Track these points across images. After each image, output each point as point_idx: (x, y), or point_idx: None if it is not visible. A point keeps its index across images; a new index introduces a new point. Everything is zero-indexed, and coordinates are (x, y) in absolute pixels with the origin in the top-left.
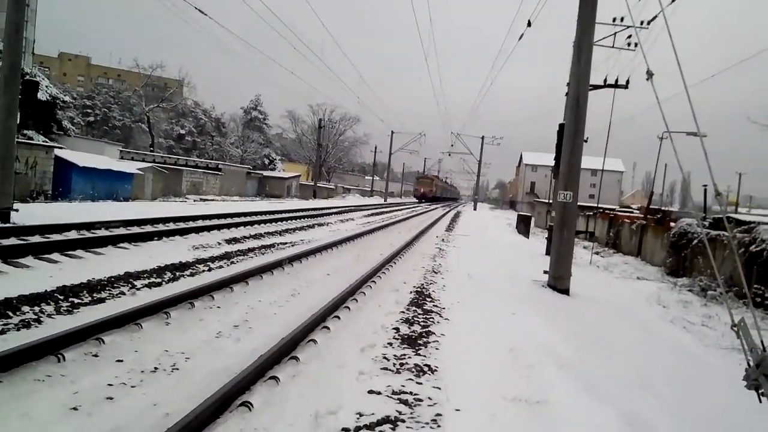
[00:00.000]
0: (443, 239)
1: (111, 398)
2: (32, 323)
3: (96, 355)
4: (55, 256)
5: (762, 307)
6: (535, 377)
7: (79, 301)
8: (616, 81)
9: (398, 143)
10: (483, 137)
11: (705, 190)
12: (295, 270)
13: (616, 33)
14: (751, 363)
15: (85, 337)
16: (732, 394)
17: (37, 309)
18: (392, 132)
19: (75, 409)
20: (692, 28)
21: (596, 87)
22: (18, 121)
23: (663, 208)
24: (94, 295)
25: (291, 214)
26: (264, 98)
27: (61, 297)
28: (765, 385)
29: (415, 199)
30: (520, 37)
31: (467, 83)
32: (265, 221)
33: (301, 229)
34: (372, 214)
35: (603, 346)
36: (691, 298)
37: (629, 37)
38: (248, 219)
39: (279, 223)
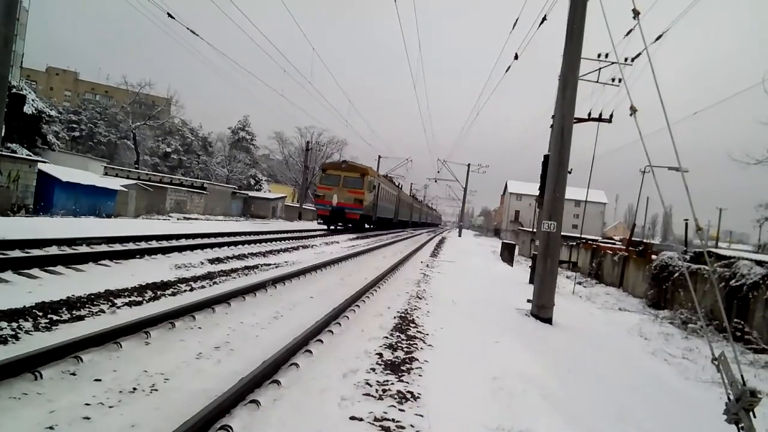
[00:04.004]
0: (428, 265)
1: (88, 418)
2: (9, 339)
3: (74, 374)
4: (35, 271)
5: (741, 341)
6: (517, 407)
7: (58, 318)
8: (600, 115)
9: (385, 168)
10: (469, 165)
11: (686, 224)
12: (278, 292)
13: (600, 68)
14: (731, 397)
15: (63, 355)
16: (712, 428)
17: (14, 325)
18: (379, 156)
19: (51, 428)
20: (676, 66)
21: (581, 120)
22: (2, 134)
23: (645, 241)
24: (74, 312)
25: (275, 236)
26: (252, 119)
27: (40, 313)
28: (744, 419)
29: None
30: (507, 69)
31: (455, 111)
32: (249, 242)
33: (285, 250)
34: (357, 238)
35: (585, 376)
36: (672, 330)
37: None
38: (232, 239)
39: (263, 244)
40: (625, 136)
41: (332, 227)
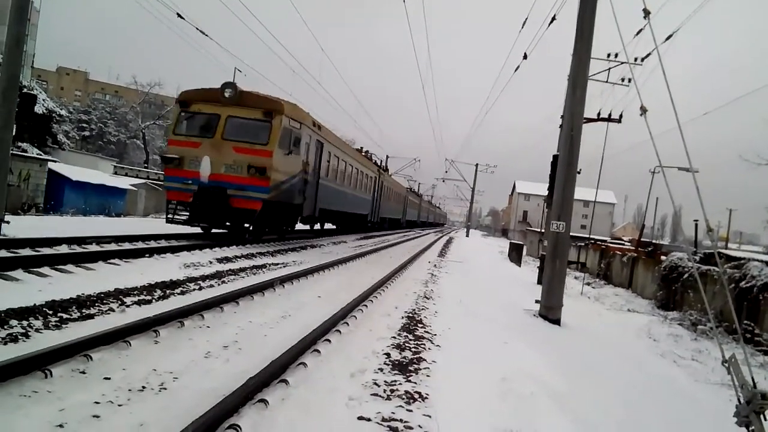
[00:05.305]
0: (435, 265)
1: (97, 416)
2: (20, 337)
3: (83, 372)
4: (45, 269)
5: (752, 343)
6: (526, 408)
7: (68, 316)
8: (610, 115)
9: (394, 167)
10: (477, 165)
11: (696, 225)
12: (286, 291)
13: (610, 68)
14: (742, 399)
15: (73, 353)
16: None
17: (25, 323)
18: (387, 156)
19: (60, 426)
20: (686, 66)
21: (590, 120)
22: (14, 134)
23: (654, 241)
24: (83, 310)
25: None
26: None
27: (50, 312)
28: (755, 422)
29: None
30: (516, 69)
31: (463, 111)
32: (270, 240)
33: (293, 250)
34: (364, 237)
35: (594, 378)
36: (681, 332)
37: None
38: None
39: (270, 243)
40: (634, 136)
41: (201, 227)
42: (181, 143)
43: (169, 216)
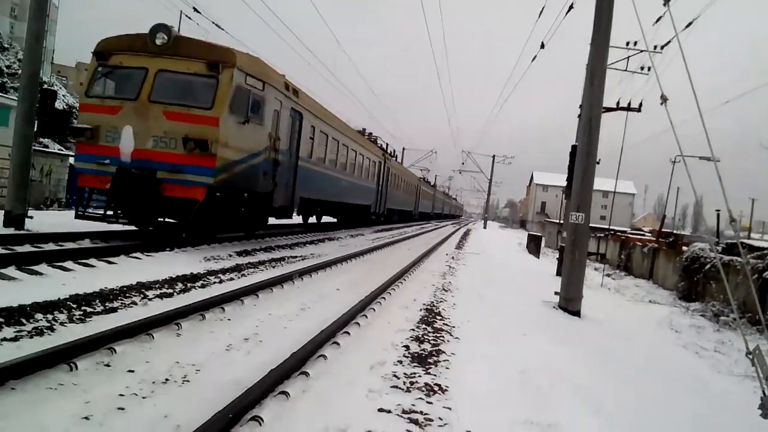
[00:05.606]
0: (453, 257)
1: (122, 408)
2: (45, 331)
3: (108, 365)
4: (68, 264)
5: None
6: (546, 400)
7: (92, 310)
8: (629, 104)
9: (410, 160)
10: (494, 156)
11: (718, 215)
12: (305, 284)
13: (629, 57)
14: (767, 392)
15: (98, 346)
16: (747, 423)
17: (50, 317)
18: (403, 148)
19: (86, 418)
20: (707, 53)
21: (609, 110)
22: (35, 129)
23: (675, 232)
24: (107, 304)
25: (301, 228)
26: None
27: (74, 305)
28: None
29: None
30: (534, 58)
31: (480, 101)
32: (274, 234)
33: (311, 243)
34: (381, 230)
35: (615, 370)
36: (703, 323)
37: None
38: (258, 231)
39: (289, 236)
40: (654, 125)
41: (123, 224)
42: (95, 108)
43: (80, 210)
